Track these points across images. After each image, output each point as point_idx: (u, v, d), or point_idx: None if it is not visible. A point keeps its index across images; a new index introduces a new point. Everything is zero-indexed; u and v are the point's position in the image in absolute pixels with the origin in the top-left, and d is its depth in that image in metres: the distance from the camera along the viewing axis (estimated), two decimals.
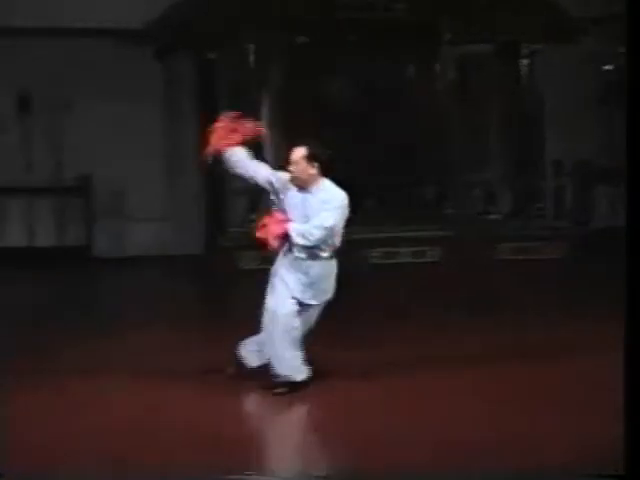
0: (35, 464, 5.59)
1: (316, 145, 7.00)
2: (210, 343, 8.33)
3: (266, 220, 6.90)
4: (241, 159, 7.03)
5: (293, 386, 6.99)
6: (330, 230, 6.87)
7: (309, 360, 7.08)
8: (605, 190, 14.86)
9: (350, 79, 13.60)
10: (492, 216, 13.77)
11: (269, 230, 6.84)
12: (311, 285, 6.98)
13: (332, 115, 13.16)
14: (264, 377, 7.06)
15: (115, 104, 13.82)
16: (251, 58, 12.89)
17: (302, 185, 6.92)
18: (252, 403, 7.08)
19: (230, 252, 12.03)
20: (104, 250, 14.19)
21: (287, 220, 6.88)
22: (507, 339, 8.53)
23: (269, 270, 7.11)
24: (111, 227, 14.35)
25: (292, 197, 6.94)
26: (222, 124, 7.08)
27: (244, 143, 7.05)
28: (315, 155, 6.92)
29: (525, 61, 13.75)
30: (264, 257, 7.73)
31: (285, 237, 6.87)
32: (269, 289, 7.01)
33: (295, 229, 6.84)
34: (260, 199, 9.45)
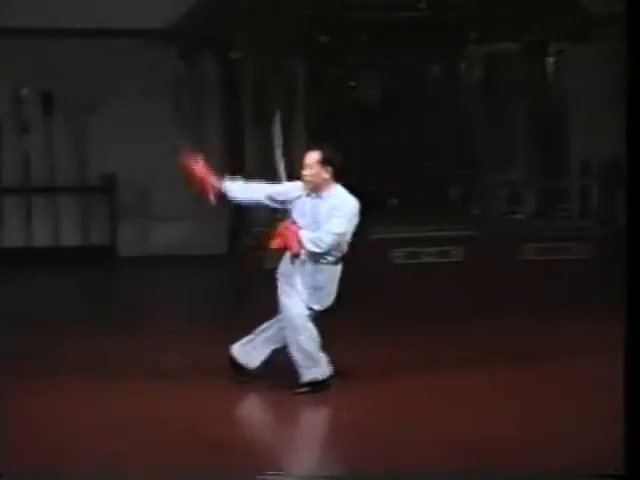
0: (35, 464, 5.57)
1: (330, 149, 7.02)
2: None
3: (279, 230, 6.91)
4: (236, 192, 7.07)
5: (315, 386, 6.98)
6: (341, 237, 6.88)
7: (331, 360, 7.06)
8: None
9: (375, 79, 13.57)
10: (517, 216, 13.69)
11: (285, 239, 6.84)
12: (316, 289, 7.00)
13: (357, 115, 13.13)
14: (275, 377, 7.06)
15: (139, 104, 13.85)
16: (275, 58, 12.88)
17: (314, 189, 6.94)
18: (269, 403, 7.07)
19: (254, 252, 12.03)
20: (128, 249, 14.23)
21: (298, 228, 6.90)
22: (518, 340, 8.52)
23: None
24: (135, 226, 14.39)
25: (301, 203, 6.96)
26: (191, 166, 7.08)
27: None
28: (329, 159, 6.95)
29: (551, 60, 13.67)
30: None
31: (298, 244, 6.86)
32: (281, 291, 7.00)
33: (307, 237, 6.85)
34: None
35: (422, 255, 12.55)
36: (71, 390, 7.11)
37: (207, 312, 10.48)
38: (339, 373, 7.16)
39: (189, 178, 7.09)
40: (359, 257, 10.78)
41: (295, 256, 6.92)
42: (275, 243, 6.94)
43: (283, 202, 7.04)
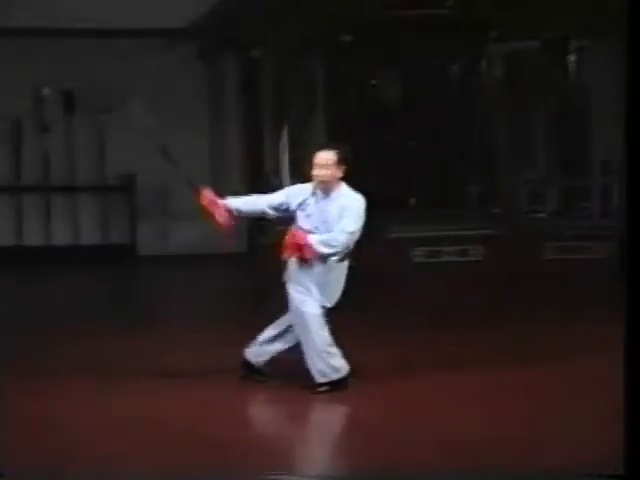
0: (35, 464, 5.58)
1: (344, 149, 6.98)
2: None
3: (287, 240, 6.90)
4: (239, 206, 7.07)
5: (333, 385, 6.96)
6: (353, 235, 6.87)
7: (349, 359, 7.05)
8: None
9: (396, 77, 13.54)
10: (538, 215, 13.64)
11: (294, 248, 6.83)
12: (327, 288, 6.98)
13: (377, 113, 13.12)
14: (287, 377, 7.07)
15: (159, 103, 13.86)
16: (296, 57, 12.88)
17: (326, 190, 6.91)
18: (281, 402, 7.05)
19: (273, 250, 12.02)
20: (148, 248, 14.26)
21: (305, 233, 6.87)
22: (535, 340, 8.49)
23: None
24: (155, 225, 14.42)
25: (308, 206, 6.94)
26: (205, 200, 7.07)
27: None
28: (345, 159, 6.92)
29: (573, 58, 13.61)
30: None
31: (309, 250, 6.84)
32: (292, 294, 6.97)
33: (318, 240, 6.83)
34: None
35: (442, 254, 12.52)
36: (90, 389, 7.12)
37: (227, 311, 10.48)
38: (360, 373, 7.14)
39: (203, 211, 7.11)
40: (379, 256, 10.79)
41: (306, 261, 6.88)
42: (287, 254, 6.91)
43: (286, 210, 7.00)
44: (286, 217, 7.10)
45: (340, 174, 6.94)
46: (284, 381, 7.12)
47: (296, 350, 7.06)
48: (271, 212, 7.08)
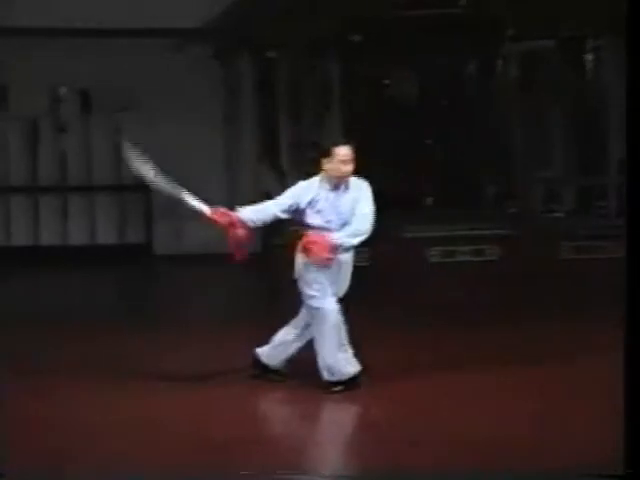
0: (36, 464, 5.58)
1: (354, 144, 6.99)
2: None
3: (304, 244, 6.87)
4: (251, 216, 7.02)
5: (347, 384, 6.96)
6: (373, 216, 6.88)
7: (363, 358, 7.05)
8: None
9: (411, 77, 13.53)
10: (555, 214, 13.61)
11: (315, 250, 6.80)
12: (339, 280, 6.98)
13: (392, 113, 13.12)
14: (301, 376, 7.08)
15: (175, 103, 13.89)
16: (310, 57, 12.89)
17: (337, 184, 6.90)
18: (294, 402, 7.06)
19: (288, 251, 12.03)
20: (164, 247, 14.28)
21: (324, 234, 6.85)
22: (549, 340, 8.48)
23: None
24: (171, 225, 14.43)
25: (318, 202, 6.91)
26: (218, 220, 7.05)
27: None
28: (355, 154, 6.94)
29: (589, 57, 13.56)
30: None
31: (330, 250, 6.82)
32: (308, 291, 6.95)
33: (344, 235, 6.84)
34: None
35: (457, 254, 12.51)
36: (110, 388, 7.15)
37: (242, 310, 10.49)
38: (374, 372, 7.14)
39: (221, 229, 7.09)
40: (395, 256, 10.78)
41: (330, 261, 6.88)
42: (310, 256, 6.88)
43: (296, 210, 6.97)
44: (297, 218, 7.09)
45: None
46: (300, 381, 7.13)
47: (309, 349, 7.07)
48: (283, 215, 7.06)
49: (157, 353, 8.22)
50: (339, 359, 6.94)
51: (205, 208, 7.17)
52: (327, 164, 6.89)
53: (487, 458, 5.59)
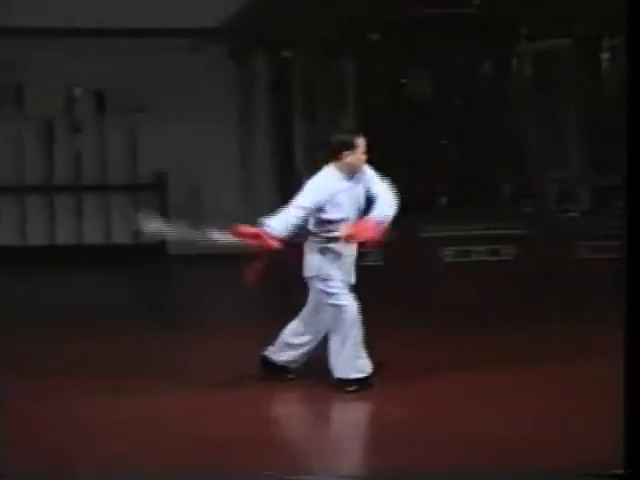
0: (36, 464, 5.58)
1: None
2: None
3: (354, 234, 6.87)
4: (280, 227, 6.97)
5: (360, 384, 6.96)
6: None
7: (376, 358, 7.05)
8: None
9: (426, 76, 13.52)
10: (571, 214, 13.57)
11: (368, 235, 6.85)
12: (350, 270, 7.00)
13: (408, 112, 13.10)
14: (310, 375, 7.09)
15: (190, 103, 13.91)
16: (325, 56, 12.89)
17: (356, 173, 6.98)
18: (313, 401, 7.06)
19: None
20: (179, 247, 14.27)
21: (367, 219, 6.90)
22: (560, 340, 8.46)
23: None
24: (187, 224, 14.43)
25: (338, 196, 6.92)
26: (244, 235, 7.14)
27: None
28: (370, 153, 7.02)
29: (605, 56, 13.52)
30: None
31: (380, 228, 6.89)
32: (327, 289, 6.96)
33: (379, 214, 6.88)
34: None
35: (472, 253, 12.49)
36: (131, 386, 7.17)
37: (256, 310, 10.50)
38: (390, 372, 7.13)
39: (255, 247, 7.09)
40: (409, 256, 10.77)
41: (382, 243, 6.89)
42: (370, 241, 6.90)
43: (321, 208, 6.95)
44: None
45: None
46: (311, 380, 7.13)
47: (320, 348, 7.06)
48: (312, 215, 7.00)
49: (172, 352, 8.23)
50: (353, 358, 6.94)
51: (229, 235, 7.17)
52: (349, 156, 6.92)
53: (487, 458, 5.59)
